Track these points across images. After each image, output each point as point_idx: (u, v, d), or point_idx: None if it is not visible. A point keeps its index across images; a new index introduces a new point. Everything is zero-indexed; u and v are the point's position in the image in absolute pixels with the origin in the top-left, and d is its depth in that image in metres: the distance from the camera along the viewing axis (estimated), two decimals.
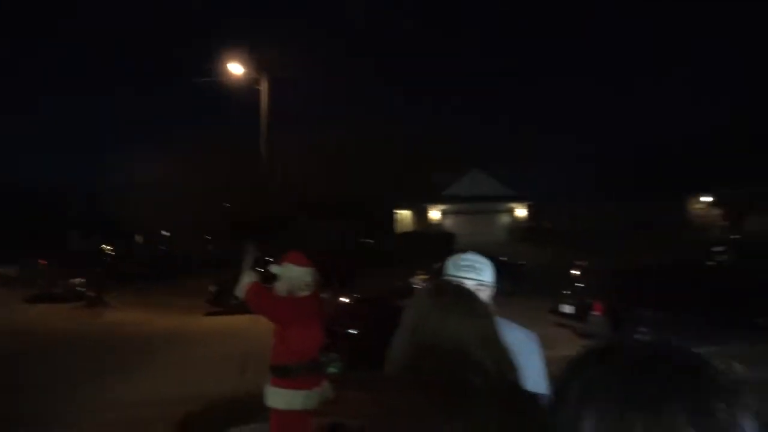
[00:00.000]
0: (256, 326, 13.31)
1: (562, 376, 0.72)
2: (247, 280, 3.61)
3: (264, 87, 19.96)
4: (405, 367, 1.09)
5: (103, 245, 36.21)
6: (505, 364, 1.11)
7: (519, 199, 36.76)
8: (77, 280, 20.83)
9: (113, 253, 32.59)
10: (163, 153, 25.22)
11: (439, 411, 0.99)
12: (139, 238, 38.39)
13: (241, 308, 16.92)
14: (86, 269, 22.29)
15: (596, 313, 10.12)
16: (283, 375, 3.55)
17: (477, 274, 2.04)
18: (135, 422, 6.56)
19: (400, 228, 39.30)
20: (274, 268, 3.75)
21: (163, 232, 29.95)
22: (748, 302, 10.25)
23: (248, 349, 10.76)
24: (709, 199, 31.06)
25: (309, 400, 3.47)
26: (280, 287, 3.69)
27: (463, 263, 2.07)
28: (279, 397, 3.51)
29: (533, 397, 1.14)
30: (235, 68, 19.50)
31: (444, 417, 0.98)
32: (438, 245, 26.84)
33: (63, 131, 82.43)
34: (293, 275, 3.65)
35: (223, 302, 15.89)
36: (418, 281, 15.24)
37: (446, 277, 1.95)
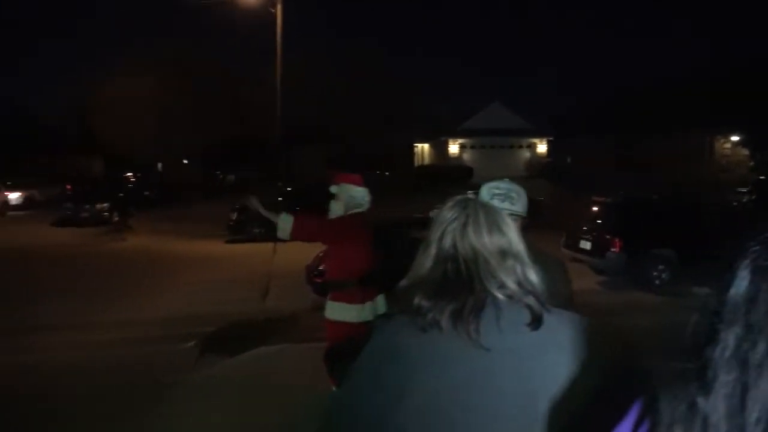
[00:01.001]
0: (277, 252, 13.69)
1: (733, 255, 0.71)
2: (283, 222, 3.68)
3: (279, 10, 19.42)
4: (425, 276, 1.11)
5: (128, 173, 36.96)
6: (525, 280, 1.11)
7: (539, 134, 36.07)
8: (102, 205, 21.37)
9: (135, 180, 33.21)
10: (167, 80, 24.85)
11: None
12: (159, 166, 38.85)
13: (261, 236, 17.24)
14: (110, 195, 22.82)
15: (614, 250, 10.13)
16: (339, 289, 3.75)
17: (511, 204, 2.02)
18: (165, 338, 6.90)
19: (419, 162, 39.09)
20: (332, 188, 3.86)
21: (185, 161, 30.25)
22: None
23: (268, 274, 11.11)
24: (736, 138, 30.15)
25: (363, 312, 3.65)
26: (337, 206, 3.80)
27: (497, 191, 2.04)
28: (335, 310, 3.72)
29: (558, 311, 1.15)
30: None
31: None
32: (456, 179, 26.78)
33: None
34: (351, 194, 3.78)
35: (243, 229, 16.20)
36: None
37: None
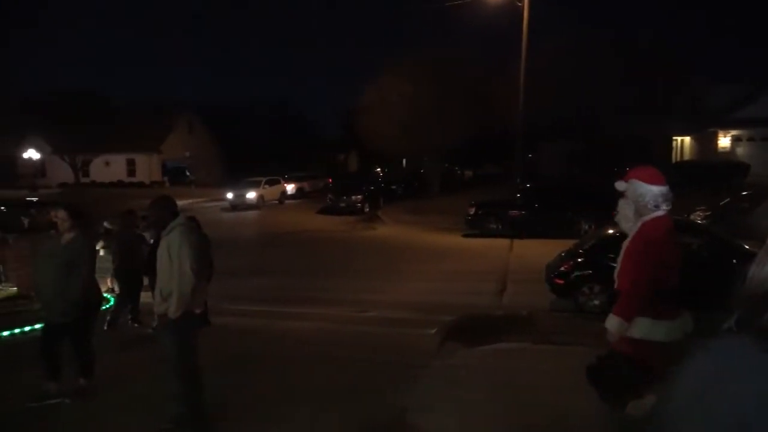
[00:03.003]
0: (513, 249, 13.56)
1: None
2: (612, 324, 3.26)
3: (526, 2, 19.05)
4: None
5: (377, 168, 40.90)
6: None
7: None
8: (357, 197, 24.00)
9: (383, 175, 36.43)
10: (419, 80, 26.17)
11: None
12: (404, 162, 41.87)
13: (498, 231, 17.15)
14: (363, 188, 25.47)
15: None
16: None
17: None
18: (409, 321, 7.38)
19: (676, 157, 34.59)
20: (619, 184, 3.41)
21: (426, 158, 32.01)
22: None
23: (505, 270, 11.07)
24: None
25: (672, 331, 3.15)
26: (625, 207, 3.38)
27: None
28: (640, 327, 3.20)
29: None
30: None
31: None
32: (725, 178, 22.91)
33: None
34: (640, 192, 3.28)
35: (481, 224, 16.40)
36: (699, 218, 13.33)
37: None
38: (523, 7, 18.86)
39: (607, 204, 17.33)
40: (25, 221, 16.62)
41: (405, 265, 12.15)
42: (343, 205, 23.81)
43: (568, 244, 9.51)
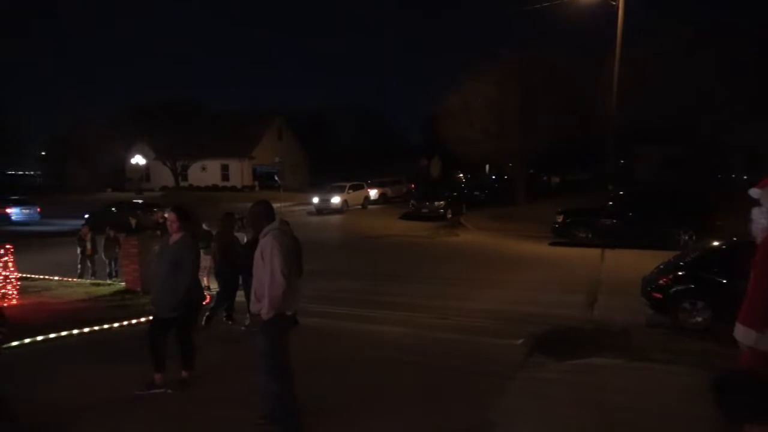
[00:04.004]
0: (605, 260, 12.93)
1: None
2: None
3: (621, 1, 18.13)
4: None
5: (459, 174, 40.67)
6: None
7: None
8: (439, 203, 23.94)
9: (466, 181, 36.13)
10: (495, 79, 25.58)
11: None
12: (487, 168, 41.29)
13: (588, 241, 16.38)
14: (446, 194, 25.37)
15: None
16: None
17: None
18: (492, 331, 7.23)
19: None
20: (753, 192, 3.30)
21: (510, 165, 31.36)
22: None
23: (596, 281, 10.57)
24: None
25: None
26: (760, 215, 3.25)
27: None
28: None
29: None
30: None
31: None
32: None
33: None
34: None
35: (569, 232, 15.82)
36: None
37: None
38: (617, 6, 17.99)
39: (709, 213, 16.21)
40: (132, 222, 18.01)
41: (489, 273, 11.95)
42: (425, 210, 23.85)
43: (665, 255, 8.97)
